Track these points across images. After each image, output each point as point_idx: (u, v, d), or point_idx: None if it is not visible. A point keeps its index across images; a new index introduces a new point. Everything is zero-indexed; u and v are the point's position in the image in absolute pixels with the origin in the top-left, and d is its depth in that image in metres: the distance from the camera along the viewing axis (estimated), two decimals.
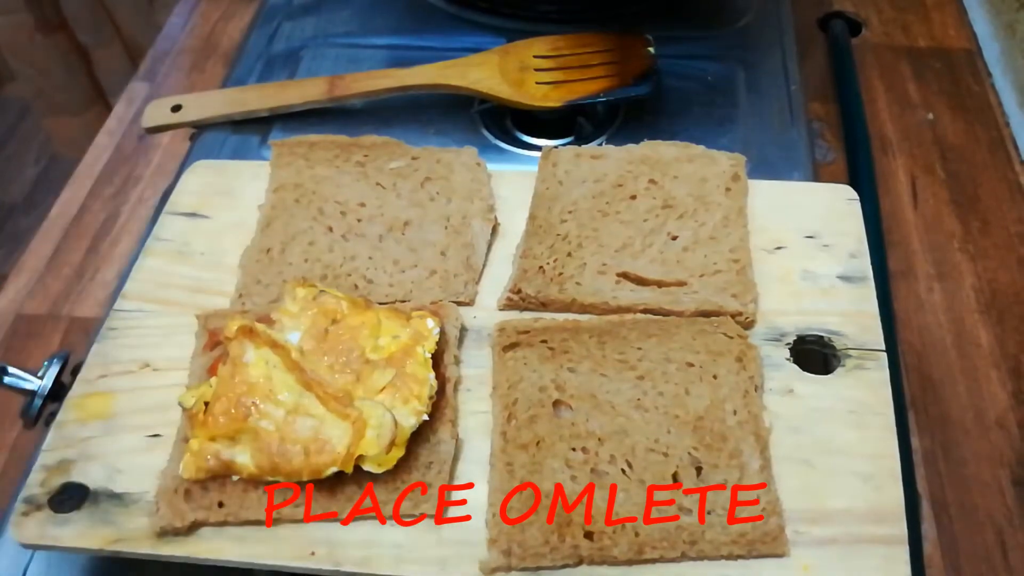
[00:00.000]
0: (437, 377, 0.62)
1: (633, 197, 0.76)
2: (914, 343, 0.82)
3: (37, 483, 0.60)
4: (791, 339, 0.67)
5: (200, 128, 0.92)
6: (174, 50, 1.16)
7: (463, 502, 0.59)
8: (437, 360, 0.64)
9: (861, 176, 0.93)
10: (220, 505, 0.58)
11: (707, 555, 0.56)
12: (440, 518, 0.58)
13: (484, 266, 0.72)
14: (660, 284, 0.70)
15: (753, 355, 0.65)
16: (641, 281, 0.70)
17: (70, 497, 0.59)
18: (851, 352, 0.66)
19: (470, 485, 0.60)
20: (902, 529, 0.57)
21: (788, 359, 0.66)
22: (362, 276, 0.71)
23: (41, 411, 0.68)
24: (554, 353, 0.65)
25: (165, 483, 0.59)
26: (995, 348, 0.82)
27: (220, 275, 0.72)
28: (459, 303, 0.69)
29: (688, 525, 0.57)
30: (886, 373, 0.65)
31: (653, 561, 0.56)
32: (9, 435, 0.81)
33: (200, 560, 0.57)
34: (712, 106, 0.93)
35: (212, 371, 0.63)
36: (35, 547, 0.59)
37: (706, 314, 0.68)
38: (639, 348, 0.65)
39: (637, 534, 0.56)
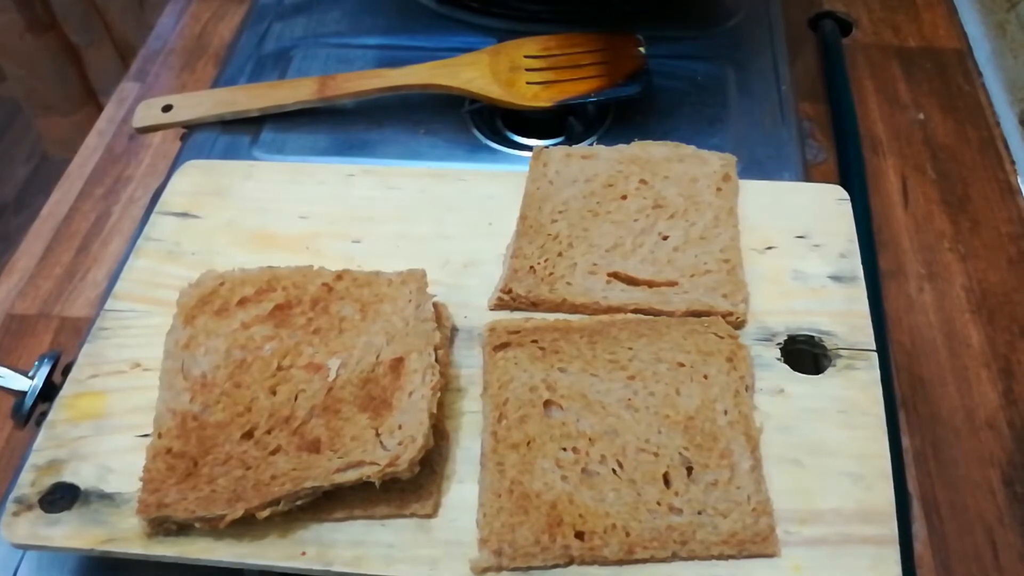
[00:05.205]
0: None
1: (624, 197, 0.76)
2: (904, 343, 0.82)
3: (28, 483, 0.60)
4: (782, 339, 0.67)
5: (191, 128, 0.92)
6: (165, 50, 1.16)
7: (454, 502, 0.59)
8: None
9: (852, 176, 0.93)
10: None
11: (698, 555, 0.56)
12: (431, 518, 0.58)
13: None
14: (651, 284, 0.70)
15: (744, 355, 0.65)
16: (632, 281, 0.70)
17: (61, 497, 0.59)
18: (842, 352, 0.66)
19: (461, 485, 0.60)
20: (893, 529, 0.58)
21: (779, 359, 0.66)
22: None
23: (32, 411, 0.68)
24: (545, 353, 0.65)
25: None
26: (985, 348, 0.82)
27: None
28: None
29: (679, 525, 0.57)
30: (876, 373, 0.65)
31: (644, 561, 0.56)
32: None
33: (191, 560, 0.57)
34: (702, 106, 0.93)
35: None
36: (25, 547, 0.59)
37: (697, 314, 0.68)
38: (630, 348, 0.65)
39: (628, 534, 0.56)
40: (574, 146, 0.81)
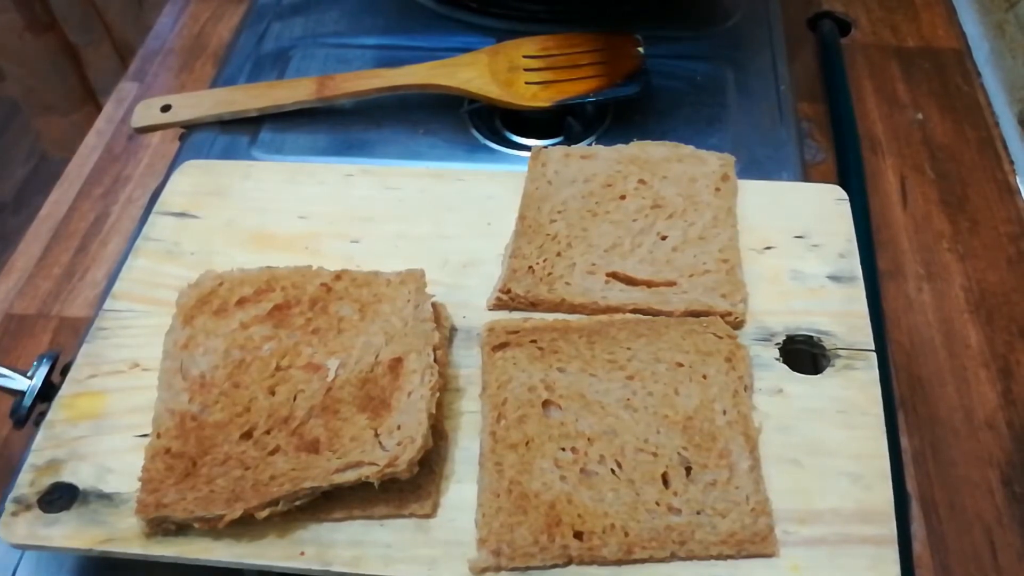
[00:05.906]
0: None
1: (622, 197, 0.76)
2: (903, 343, 0.82)
3: (26, 483, 0.60)
4: (780, 339, 0.67)
5: (189, 128, 0.92)
6: (163, 50, 1.16)
7: (452, 502, 0.59)
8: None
9: (850, 176, 0.93)
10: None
11: (696, 555, 0.56)
12: (430, 518, 0.58)
13: None
14: (649, 284, 0.70)
15: (742, 355, 0.65)
16: (630, 281, 0.70)
17: (59, 497, 0.59)
18: (840, 352, 0.66)
19: (460, 485, 0.60)
20: (891, 529, 0.58)
21: (777, 359, 0.66)
22: None
23: (31, 411, 0.68)
24: (543, 353, 0.65)
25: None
26: (984, 348, 0.82)
27: None
28: None
29: (677, 525, 0.57)
30: (875, 373, 0.65)
31: (642, 561, 0.56)
32: None
33: (189, 560, 0.57)
34: (701, 106, 0.93)
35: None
36: (24, 547, 0.59)
37: (695, 314, 0.68)
38: (628, 348, 0.65)
39: (626, 534, 0.56)
40: (573, 146, 0.81)
